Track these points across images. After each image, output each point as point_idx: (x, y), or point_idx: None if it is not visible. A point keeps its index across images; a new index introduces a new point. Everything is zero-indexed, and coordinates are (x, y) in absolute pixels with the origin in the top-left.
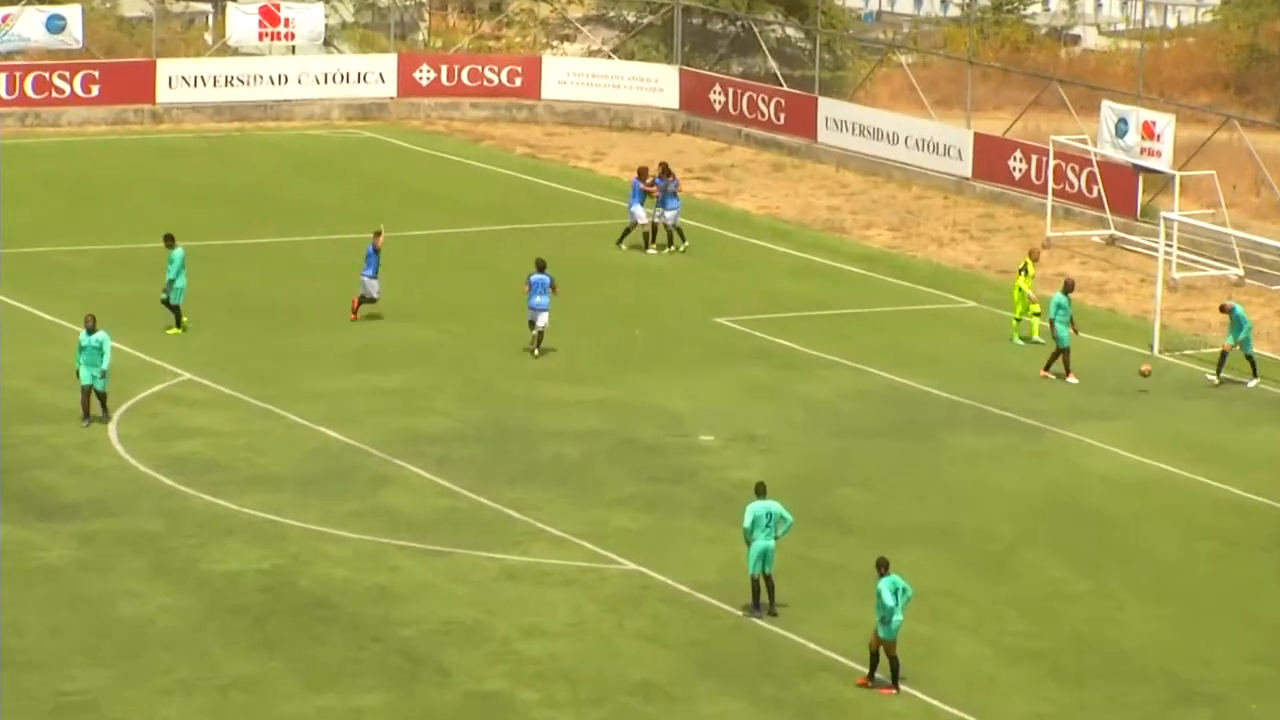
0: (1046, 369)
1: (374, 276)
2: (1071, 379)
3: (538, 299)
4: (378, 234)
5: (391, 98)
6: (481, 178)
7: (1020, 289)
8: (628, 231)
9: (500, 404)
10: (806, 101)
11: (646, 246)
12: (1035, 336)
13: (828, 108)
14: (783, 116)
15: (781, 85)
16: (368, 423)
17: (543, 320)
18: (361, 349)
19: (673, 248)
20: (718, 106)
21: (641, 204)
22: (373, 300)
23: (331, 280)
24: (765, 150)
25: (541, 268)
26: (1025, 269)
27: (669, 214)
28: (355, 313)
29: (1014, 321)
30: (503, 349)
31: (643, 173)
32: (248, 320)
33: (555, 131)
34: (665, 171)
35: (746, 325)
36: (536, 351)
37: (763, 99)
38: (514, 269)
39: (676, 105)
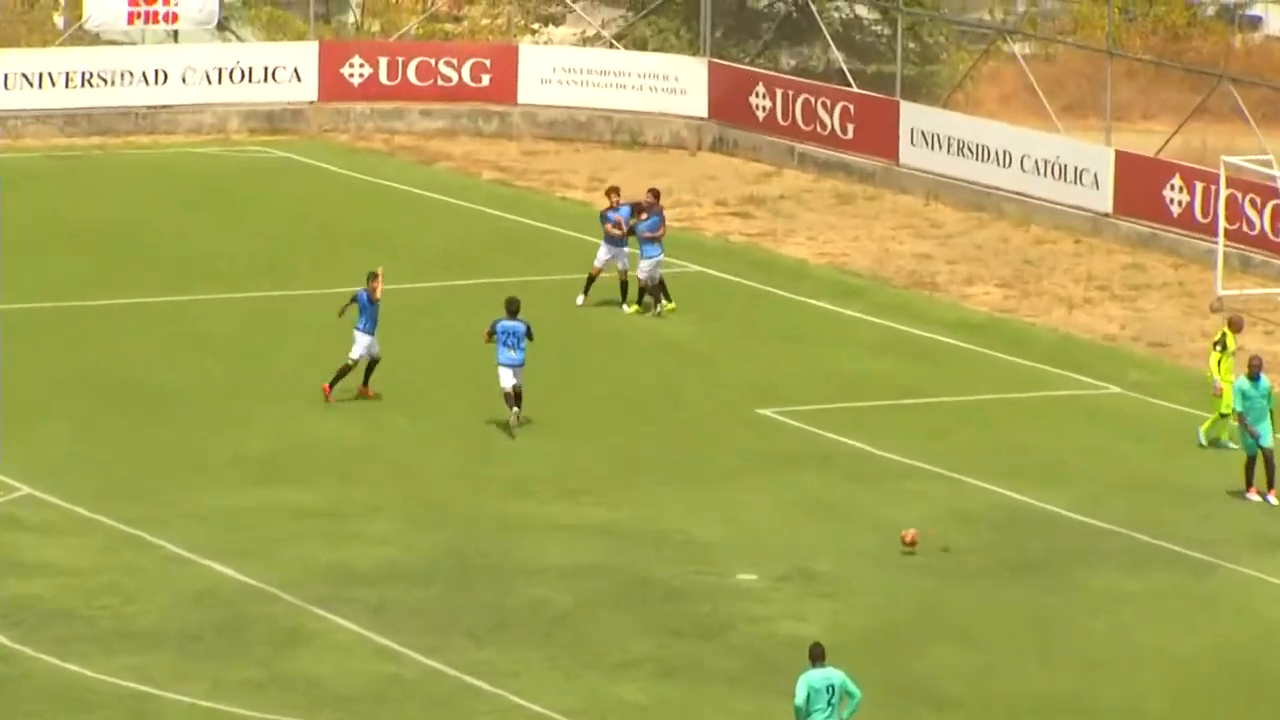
0: (1253, 485)
1: (371, 331)
2: (1253, 495)
3: (510, 353)
4: (374, 277)
5: (311, 103)
6: (435, 214)
7: (1218, 372)
8: (590, 281)
9: (461, 528)
10: (884, 108)
11: (622, 300)
12: (1226, 440)
13: (914, 116)
14: (851, 129)
15: (850, 85)
16: (277, 555)
17: (515, 380)
18: (270, 451)
19: (658, 310)
20: (761, 114)
21: (614, 242)
22: (374, 361)
23: (229, 354)
24: (827, 175)
25: (514, 311)
26: (1223, 343)
27: (645, 264)
28: (331, 387)
29: (1211, 420)
30: (464, 449)
31: (613, 194)
32: (112, 411)
33: (537, 149)
34: (639, 206)
35: (802, 419)
36: (515, 426)
37: (824, 104)
38: (476, 337)
39: (704, 113)
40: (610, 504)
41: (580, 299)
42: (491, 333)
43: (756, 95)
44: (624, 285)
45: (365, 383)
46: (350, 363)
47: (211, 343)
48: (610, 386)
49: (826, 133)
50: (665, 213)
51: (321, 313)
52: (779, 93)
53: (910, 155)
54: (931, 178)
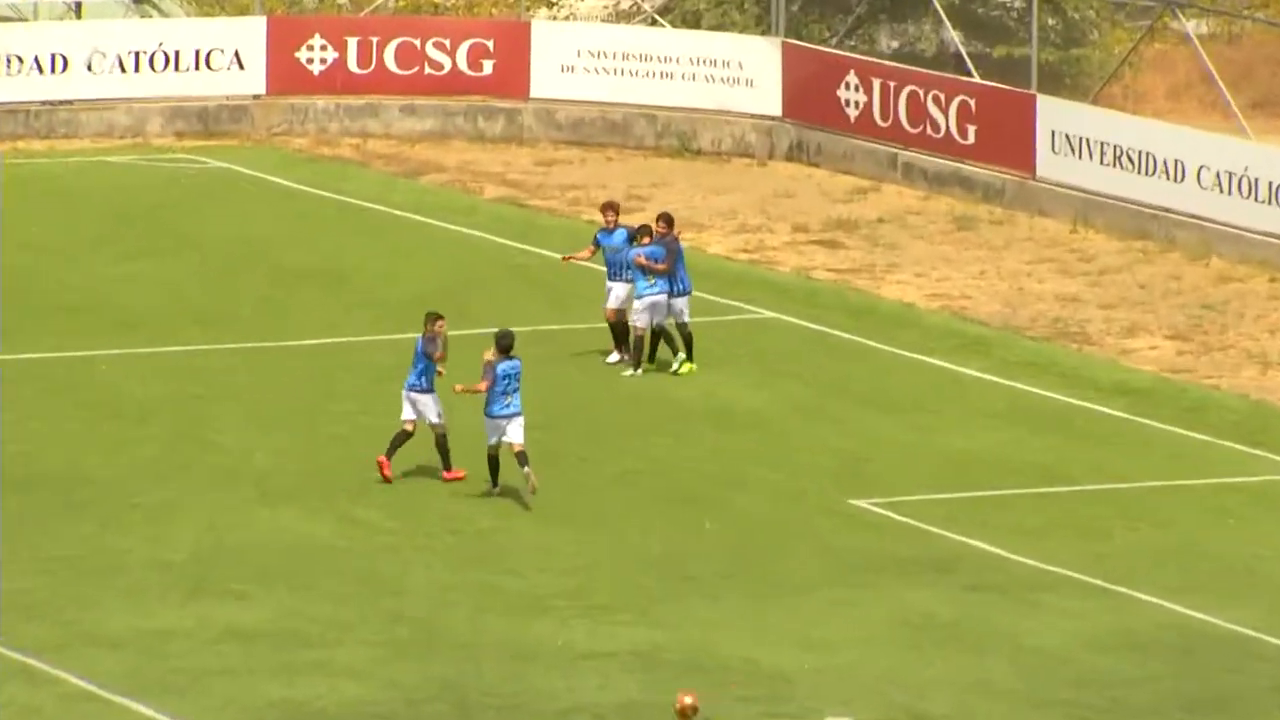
0: None
1: (429, 390)
2: None
3: (506, 401)
4: (436, 321)
5: (257, 97)
6: (421, 242)
7: None
8: (617, 331)
9: (457, 656)
10: (1017, 103)
11: (636, 364)
12: None
13: (1055, 115)
14: (972, 131)
15: (971, 74)
16: (210, 691)
17: (519, 433)
18: (202, 553)
19: (675, 368)
20: (853, 112)
21: (623, 276)
22: (439, 432)
23: (151, 426)
24: (941, 191)
25: (506, 347)
26: None
27: (639, 304)
28: (387, 465)
29: None
30: (458, 551)
31: (609, 210)
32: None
33: (555, 158)
34: (643, 231)
35: (907, 512)
36: (531, 492)
37: (936, 99)
38: (471, 405)
39: (778, 110)
40: (652, 623)
41: (615, 357)
42: (494, 379)
43: (846, 87)
44: (664, 334)
45: (388, 454)
46: (438, 425)
47: (128, 411)
48: (651, 467)
49: (940, 136)
50: (681, 244)
51: (269, 371)
52: (876, 84)
53: (1051, 166)
54: (1080, 196)
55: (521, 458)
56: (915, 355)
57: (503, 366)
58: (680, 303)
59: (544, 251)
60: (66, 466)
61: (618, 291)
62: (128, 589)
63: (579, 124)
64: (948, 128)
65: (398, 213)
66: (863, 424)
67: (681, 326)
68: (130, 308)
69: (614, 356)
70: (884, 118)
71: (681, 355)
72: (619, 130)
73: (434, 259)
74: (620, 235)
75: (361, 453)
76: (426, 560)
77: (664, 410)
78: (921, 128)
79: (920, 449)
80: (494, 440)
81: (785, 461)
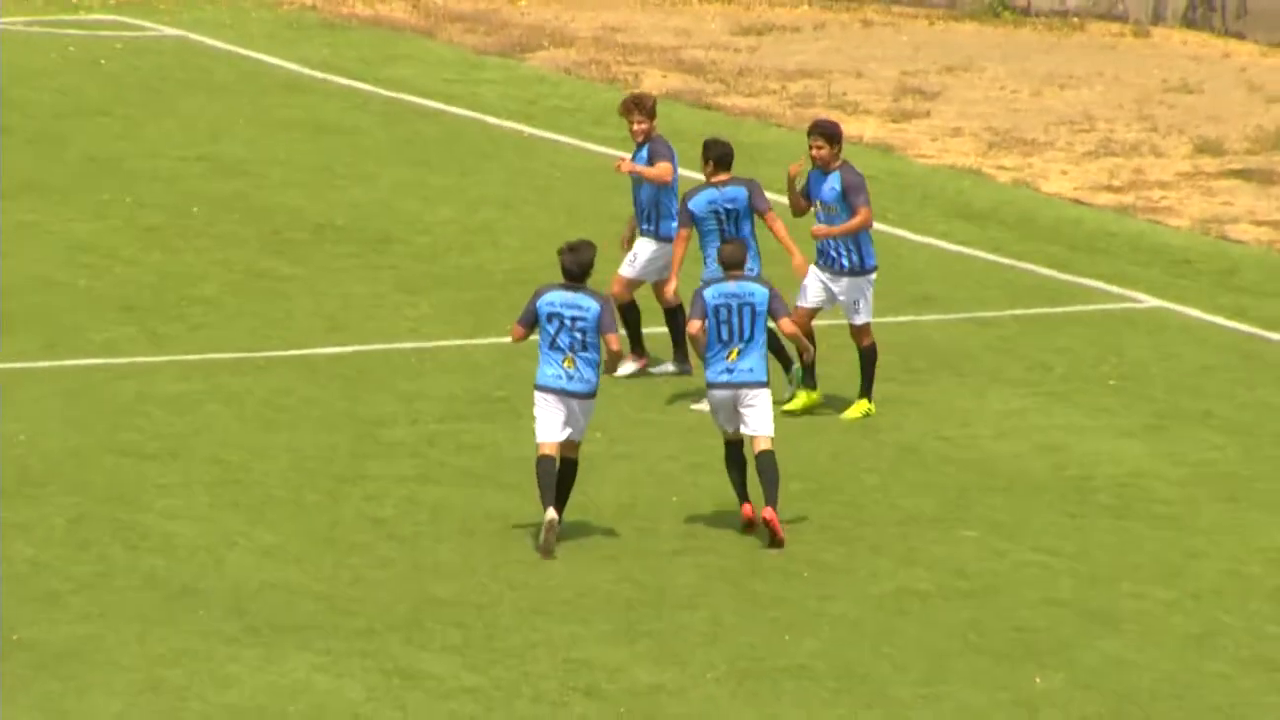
0: None
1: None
2: None
3: (561, 365)
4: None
5: None
6: (526, 178)
7: None
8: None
9: None
10: None
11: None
12: None
13: None
14: None
15: None
16: None
17: (569, 429)
18: None
19: (795, 389)
20: None
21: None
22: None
23: (61, 500)
24: None
25: (578, 267)
26: None
27: (849, 286)
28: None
29: None
30: None
31: (636, 110)
32: None
33: (769, 20)
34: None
35: None
36: (549, 547)
37: None
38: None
39: None
40: None
41: (629, 367)
42: (533, 321)
43: None
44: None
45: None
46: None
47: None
48: (954, 579)
49: None
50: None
51: (253, 402)
52: None
53: None
54: None
55: (550, 477)
56: None
57: (550, 299)
58: (852, 286)
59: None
60: None
61: (644, 252)
62: None
63: None
64: None
65: (484, 120)
66: None
67: (858, 334)
68: (1, 292)
69: (628, 367)
70: None
71: (796, 373)
72: None
73: (546, 210)
74: (641, 157)
75: (420, 552)
76: None
77: (949, 474)
78: None
79: None
80: (545, 433)
81: (1201, 582)
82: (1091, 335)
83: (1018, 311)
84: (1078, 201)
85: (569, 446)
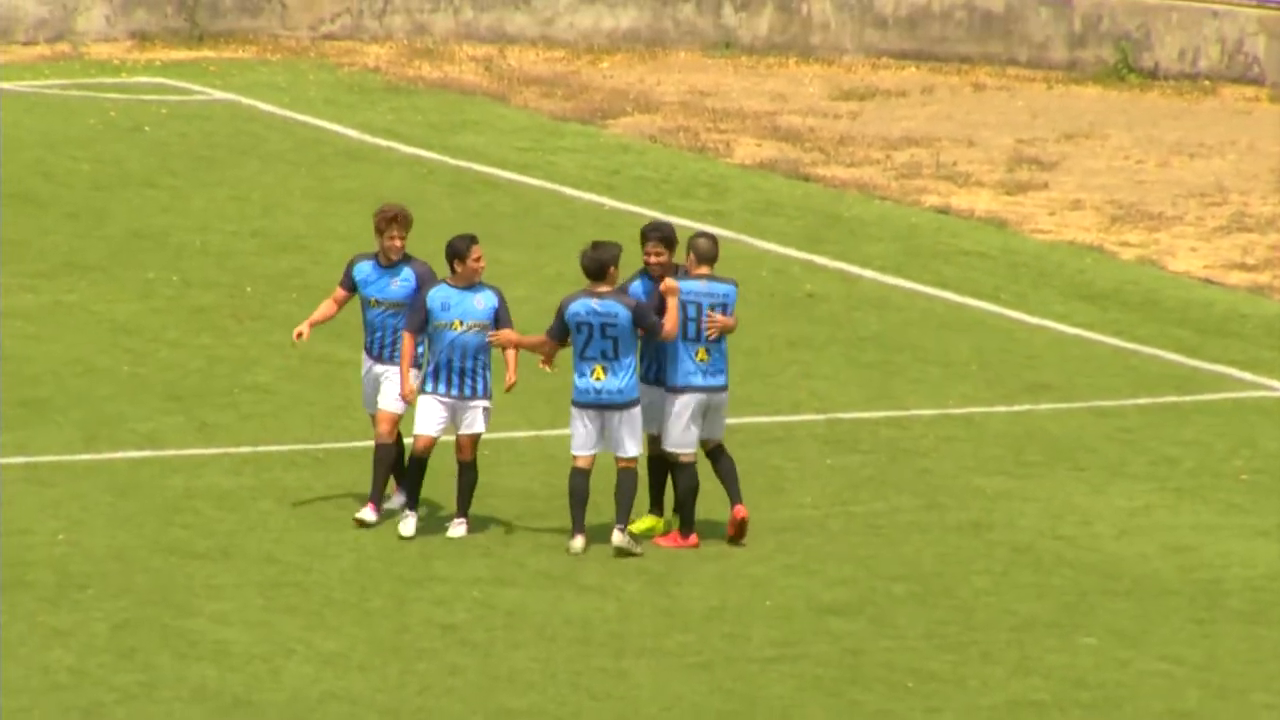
0: None
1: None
2: None
3: (597, 374)
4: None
5: None
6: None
7: None
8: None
9: None
10: None
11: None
12: None
13: None
14: None
15: None
16: None
17: (598, 442)
18: None
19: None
20: None
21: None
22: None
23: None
24: None
25: (602, 262)
26: None
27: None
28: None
29: None
30: None
31: (392, 225)
32: None
33: (872, 84)
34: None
35: None
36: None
37: None
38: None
39: None
40: None
41: (400, 500)
42: (563, 334)
43: None
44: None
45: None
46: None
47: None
48: None
49: None
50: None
51: (309, 498)
52: None
53: None
54: None
55: (581, 497)
56: None
57: (578, 306)
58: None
59: (848, 267)
60: None
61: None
62: None
63: (917, 20)
64: None
65: (560, 192)
66: None
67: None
68: (38, 378)
69: (399, 499)
70: None
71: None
72: (988, 28)
73: None
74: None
75: (494, 660)
76: None
77: (1066, 576)
78: None
79: None
80: (577, 445)
81: None
82: (1222, 426)
83: (1142, 400)
84: (1208, 281)
85: (621, 459)
